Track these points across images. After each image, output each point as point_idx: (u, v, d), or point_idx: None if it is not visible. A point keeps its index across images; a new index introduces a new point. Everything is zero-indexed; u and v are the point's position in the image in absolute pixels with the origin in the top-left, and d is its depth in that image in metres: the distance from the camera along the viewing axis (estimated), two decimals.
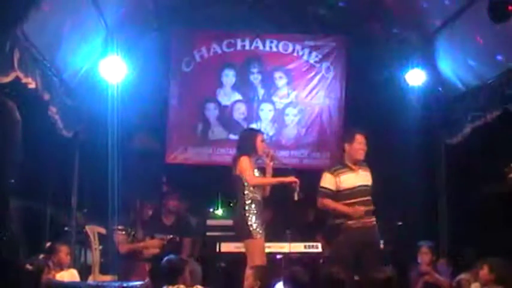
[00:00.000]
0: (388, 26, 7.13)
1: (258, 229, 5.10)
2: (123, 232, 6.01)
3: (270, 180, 5.30)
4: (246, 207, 5.15)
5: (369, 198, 5.32)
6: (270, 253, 5.49)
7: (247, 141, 5.42)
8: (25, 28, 4.40)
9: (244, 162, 5.24)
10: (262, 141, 5.43)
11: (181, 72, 7.75)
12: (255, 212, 5.15)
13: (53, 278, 5.03)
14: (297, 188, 5.13)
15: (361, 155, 5.34)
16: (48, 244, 5.73)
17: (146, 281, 5.22)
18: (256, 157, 5.39)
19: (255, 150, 5.35)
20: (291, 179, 5.17)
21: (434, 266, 5.88)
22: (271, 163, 5.39)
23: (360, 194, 5.27)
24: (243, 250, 5.36)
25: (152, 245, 6.10)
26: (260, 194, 5.27)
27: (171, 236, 6.37)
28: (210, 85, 7.83)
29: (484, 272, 4.80)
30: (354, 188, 5.28)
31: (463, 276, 5.76)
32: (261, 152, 5.36)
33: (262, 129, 6.95)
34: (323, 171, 5.47)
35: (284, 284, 4.30)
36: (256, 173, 5.29)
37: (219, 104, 7.82)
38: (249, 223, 5.11)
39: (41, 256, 5.30)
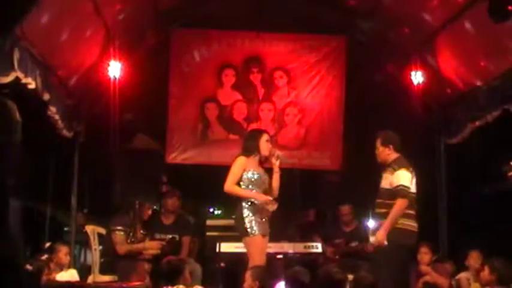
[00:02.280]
0: (388, 26, 7.12)
1: (254, 227, 5.06)
2: (122, 233, 5.99)
3: (243, 193, 5.15)
4: (244, 206, 5.13)
5: (382, 200, 5.23)
6: (270, 253, 5.48)
7: (250, 142, 5.37)
8: (25, 28, 4.40)
9: (237, 163, 5.20)
10: (267, 140, 5.35)
11: (181, 72, 7.75)
12: (253, 210, 5.12)
13: (52, 278, 5.04)
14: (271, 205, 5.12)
15: (378, 158, 5.39)
16: (47, 244, 5.73)
17: (146, 281, 5.23)
18: (259, 156, 5.32)
19: (258, 150, 5.29)
20: (264, 199, 5.11)
21: (434, 266, 5.88)
22: (277, 162, 5.33)
23: (378, 196, 5.29)
24: (243, 250, 5.36)
25: (151, 247, 6.08)
26: (262, 192, 5.22)
27: (171, 236, 6.37)
28: (210, 85, 7.83)
29: (485, 272, 4.81)
30: (378, 190, 5.34)
31: (462, 274, 5.78)
32: (265, 152, 5.28)
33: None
34: None
35: (285, 284, 4.30)
36: (256, 175, 5.24)
37: (219, 104, 7.81)
38: (246, 221, 5.08)
39: (44, 256, 5.30)
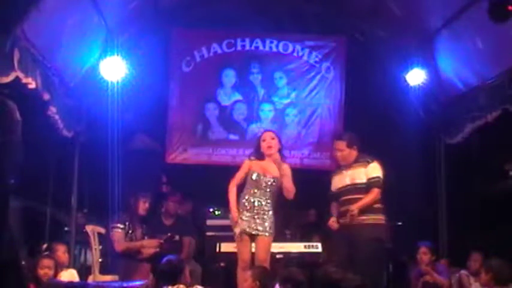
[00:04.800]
0: (388, 26, 7.13)
1: (241, 227, 5.12)
2: (120, 230, 5.97)
3: (230, 202, 5.19)
4: (240, 205, 5.21)
5: (355, 196, 5.27)
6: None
7: (255, 144, 5.44)
8: (25, 28, 4.40)
9: (241, 166, 5.32)
10: (264, 140, 5.34)
11: (181, 72, 7.76)
12: (246, 206, 5.17)
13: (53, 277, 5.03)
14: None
15: (337, 157, 5.51)
16: (44, 246, 5.72)
17: (146, 281, 5.21)
18: (263, 157, 5.30)
19: (260, 152, 5.30)
20: (232, 216, 5.15)
21: (434, 266, 5.88)
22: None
23: (346, 193, 5.35)
24: None
25: (149, 245, 6.05)
26: (260, 193, 5.22)
27: (169, 234, 6.35)
28: (210, 85, 7.84)
29: (483, 272, 4.80)
30: (341, 188, 5.41)
31: (463, 271, 5.79)
32: (266, 151, 5.25)
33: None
34: None
35: (280, 285, 4.29)
36: (256, 176, 5.25)
37: (219, 104, 7.82)
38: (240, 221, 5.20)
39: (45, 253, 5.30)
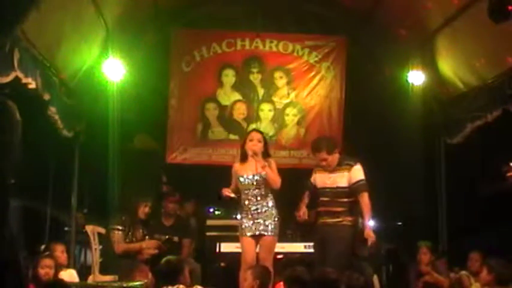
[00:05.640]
0: (388, 26, 7.12)
1: (243, 227, 5.17)
2: (120, 232, 5.97)
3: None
4: (240, 206, 5.23)
5: (334, 199, 5.38)
6: None
7: (242, 141, 5.42)
8: (25, 28, 4.41)
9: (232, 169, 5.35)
10: (251, 140, 5.27)
11: (181, 72, 7.75)
12: (245, 210, 5.20)
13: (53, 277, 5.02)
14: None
15: (324, 167, 5.49)
16: (43, 246, 5.72)
17: (146, 281, 5.21)
18: (246, 157, 5.26)
19: (244, 150, 5.28)
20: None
21: (434, 266, 5.88)
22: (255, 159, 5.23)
23: (325, 194, 5.45)
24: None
25: (148, 246, 6.06)
26: (254, 194, 5.22)
27: (168, 237, 6.35)
28: (210, 85, 7.83)
29: (484, 273, 4.80)
30: (321, 188, 5.49)
31: (463, 272, 5.79)
32: (249, 152, 5.22)
33: (262, 129, 6.80)
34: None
35: (285, 284, 4.29)
36: (246, 179, 5.24)
37: (219, 104, 7.82)
38: (240, 221, 5.21)
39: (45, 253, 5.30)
